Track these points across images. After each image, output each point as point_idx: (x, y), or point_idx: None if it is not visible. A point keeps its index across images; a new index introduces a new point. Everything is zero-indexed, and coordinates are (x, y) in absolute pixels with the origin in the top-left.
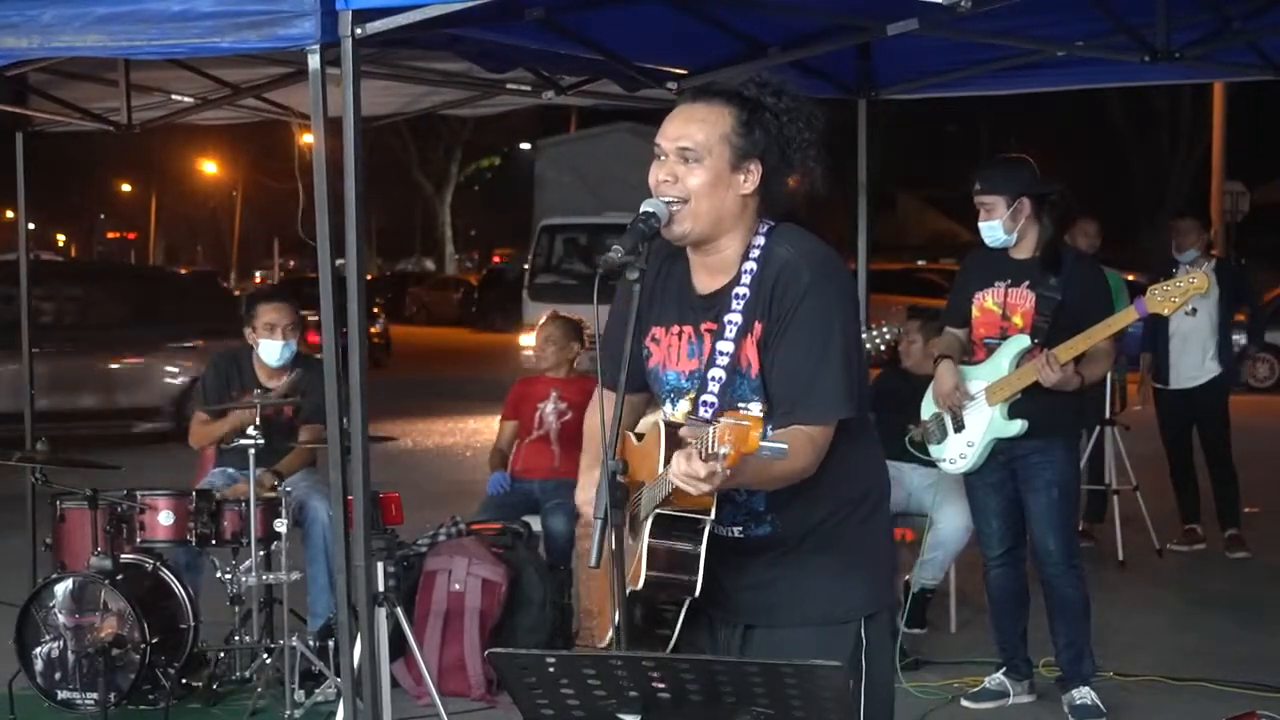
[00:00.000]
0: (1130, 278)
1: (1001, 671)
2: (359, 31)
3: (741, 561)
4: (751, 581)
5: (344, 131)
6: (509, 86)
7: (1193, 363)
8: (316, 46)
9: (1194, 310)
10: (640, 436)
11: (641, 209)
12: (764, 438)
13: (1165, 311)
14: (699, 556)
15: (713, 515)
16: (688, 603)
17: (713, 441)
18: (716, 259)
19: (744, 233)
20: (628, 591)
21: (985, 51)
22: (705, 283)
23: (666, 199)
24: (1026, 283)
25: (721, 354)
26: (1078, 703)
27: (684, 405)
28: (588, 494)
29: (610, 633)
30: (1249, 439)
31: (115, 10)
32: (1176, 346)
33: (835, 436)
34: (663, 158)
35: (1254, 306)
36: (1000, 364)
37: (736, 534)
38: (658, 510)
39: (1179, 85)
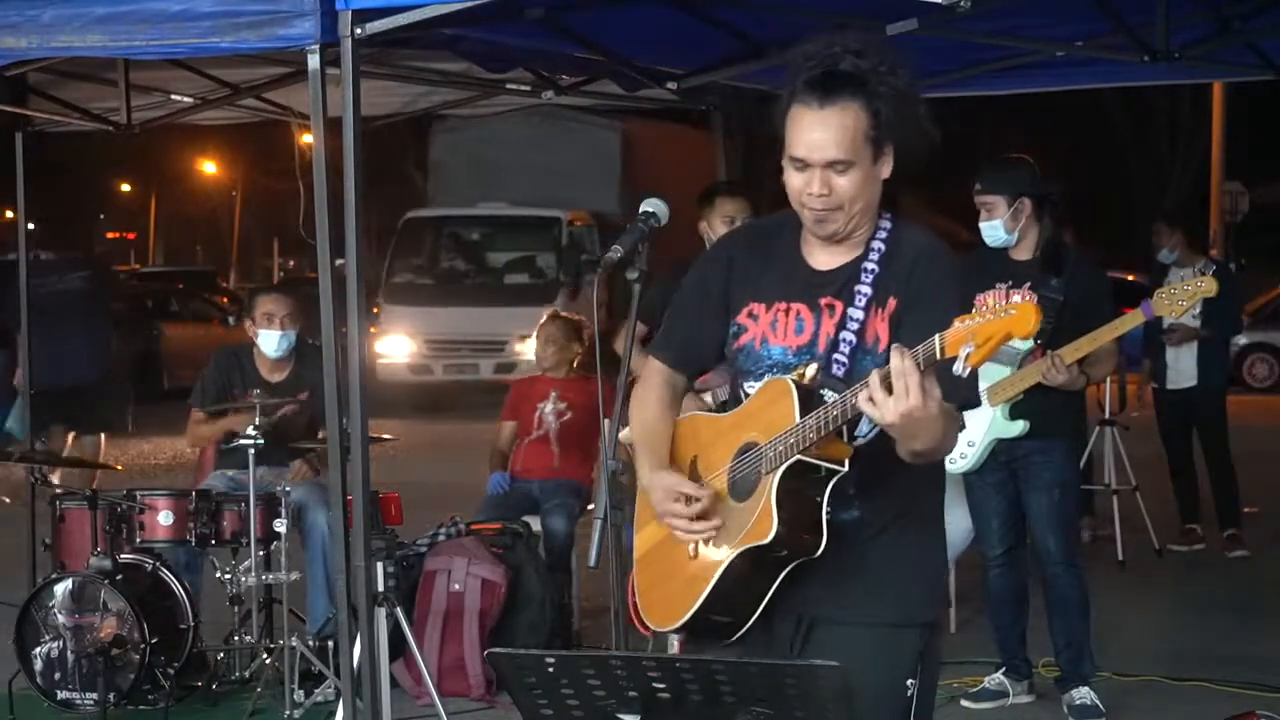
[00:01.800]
0: (1130, 278)
1: (1001, 671)
2: (359, 31)
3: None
4: (822, 573)
5: (344, 131)
6: (509, 86)
7: (1189, 363)
8: (316, 46)
9: (1200, 313)
10: (724, 405)
11: (641, 209)
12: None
13: (1173, 315)
14: (823, 515)
15: (846, 467)
16: (790, 568)
17: (940, 349)
18: (846, 242)
19: (874, 212)
20: (747, 548)
21: (985, 51)
22: (825, 260)
23: (816, 207)
24: (1028, 284)
25: (853, 319)
26: (1077, 703)
27: None
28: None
29: (689, 614)
30: (1249, 439)
31: (115, 10)
32: (1172, 348)
33: None
34: (805, 170)
35: (1238, 308)
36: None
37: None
38: (800, 457)
39: (1178, 85)
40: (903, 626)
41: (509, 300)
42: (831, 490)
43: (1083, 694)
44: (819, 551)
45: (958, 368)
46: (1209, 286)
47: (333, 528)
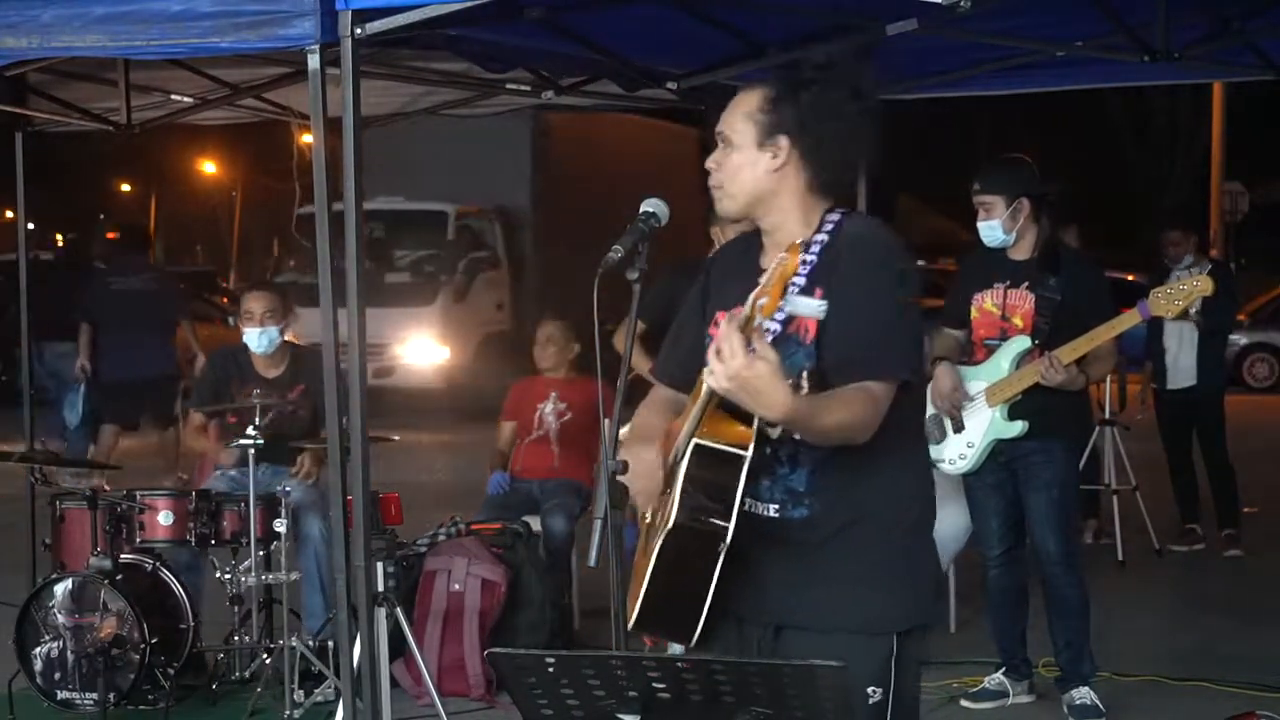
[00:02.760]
0: (1130, 278)
1: (1001, 671)
2: (358, 31)
3: (776, 550)
4: (785, 576)
5: (344, 131)
6: (509, 86)
7: (1188, 363)
8: (316, 46)
9: (1199, 313)
10: None
11: (641, 209)
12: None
13: (1169, 314)
14: (734, 501)
15: (750, 451)
16: (720, 562)
17: (749, 306)
18: (784, 238)
19: (803, 212)
20: (665, 534)
21: (985, 51)
22: (771, 259)
23: (712, 184)
24: (1026, 283)
25: (779, 310)
26: (1077, 703)
27: None
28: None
29: (639, 605)
30: (1248, 439)
31: (115, 10)
32: (1172, 347)
33: (885, 433)
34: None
35: (1233, 308)
36: (1000, 365)
37: (772, 513)
38: (696, 440)
39: (1178, 85)
40: (864, 634)
41: (388, 300)
42: (749, 477)
43: (1083, 694)
44: (728, 538)
45: (757, 320)
46: (1205, 285)
47: (331, 530)
